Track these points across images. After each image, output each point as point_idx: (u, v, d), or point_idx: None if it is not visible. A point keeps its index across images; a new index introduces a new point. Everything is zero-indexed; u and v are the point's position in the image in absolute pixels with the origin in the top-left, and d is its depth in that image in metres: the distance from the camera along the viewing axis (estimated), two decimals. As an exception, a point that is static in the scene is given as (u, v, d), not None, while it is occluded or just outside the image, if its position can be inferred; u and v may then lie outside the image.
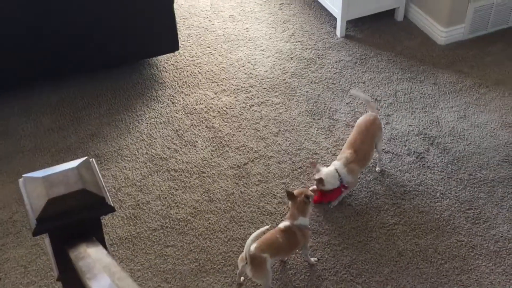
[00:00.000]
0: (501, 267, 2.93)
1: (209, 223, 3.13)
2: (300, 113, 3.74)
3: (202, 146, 3.53)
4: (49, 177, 1.48)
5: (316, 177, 3.08)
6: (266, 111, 3.75)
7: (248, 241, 2.62)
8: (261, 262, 2.67)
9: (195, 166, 3.41)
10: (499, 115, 3.72)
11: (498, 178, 3.34)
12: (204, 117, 3.71)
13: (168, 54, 4.14)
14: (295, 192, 2.86)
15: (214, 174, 3.37)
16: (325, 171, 3.10)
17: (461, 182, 3.32)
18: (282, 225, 2.84)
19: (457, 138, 3.57)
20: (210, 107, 3.78)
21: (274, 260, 2.76)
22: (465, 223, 3.12)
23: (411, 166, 3.41)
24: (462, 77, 3.99)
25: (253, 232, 2.68)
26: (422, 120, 3.68)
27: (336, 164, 3.12)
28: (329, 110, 3.75)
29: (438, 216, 3.16)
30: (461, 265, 2.94)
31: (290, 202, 2.87)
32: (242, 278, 2.86)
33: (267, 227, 2.79)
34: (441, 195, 3.25)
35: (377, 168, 3.37)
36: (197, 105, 3.80)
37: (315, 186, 3.13)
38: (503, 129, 3.62)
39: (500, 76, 4.00)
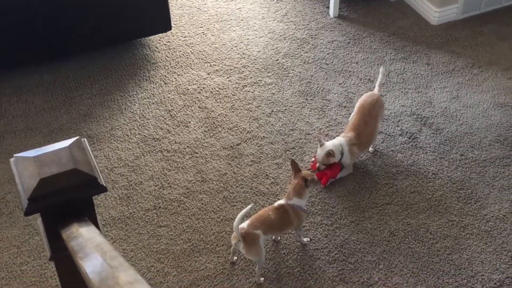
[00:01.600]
0: (492, 247, 2.95)
1: (202, 203, 3.13)
2: (293, 93, 3.73)
3: (194, 126, 3.53)
4: (40, 156, 1.47)
5: (325, 150, 3.08)
6: (259, 92, 3.74)
7: (235, 221, 2.63)
8: (254, 239, 2.69)
9: (187, 146, 3.41)
10: (491, 96, 3.72)
11: (489, 158, 3.35)
12: (197, 97, 3.70)
13: (160, 34, 4.11)
14: (303, 172, 2.87)
15: (207, 154, 3.37)
16: (330, 143, 3.10)
17: (453, 162, 3.33)
18: (276, 203, 2.86)
19: (450, 118, 3.58)
20: (203, 88, 3.76)
21: (266, 237, 2.78)
22: (456, 203, 3.14)
23: (403, 146, 3.42)
24: (454, 58, 3.99)
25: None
26: (414, 101, 3.68)
27: (341, 140, 3.13)
28: (322, 91, 3.75)
29: (430, 196, 3.17)
30: (452, 244, 2.96)
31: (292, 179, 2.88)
32: (235, 257, 2.88)
33: (250, 206, 2.80)
34: (433, 175, 3.27)
35: (370, 149, 3.38)
36: (189, 85, 3.78)
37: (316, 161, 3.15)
38: (495, 110, 3.63)
39: (492, 56, 4.00)
